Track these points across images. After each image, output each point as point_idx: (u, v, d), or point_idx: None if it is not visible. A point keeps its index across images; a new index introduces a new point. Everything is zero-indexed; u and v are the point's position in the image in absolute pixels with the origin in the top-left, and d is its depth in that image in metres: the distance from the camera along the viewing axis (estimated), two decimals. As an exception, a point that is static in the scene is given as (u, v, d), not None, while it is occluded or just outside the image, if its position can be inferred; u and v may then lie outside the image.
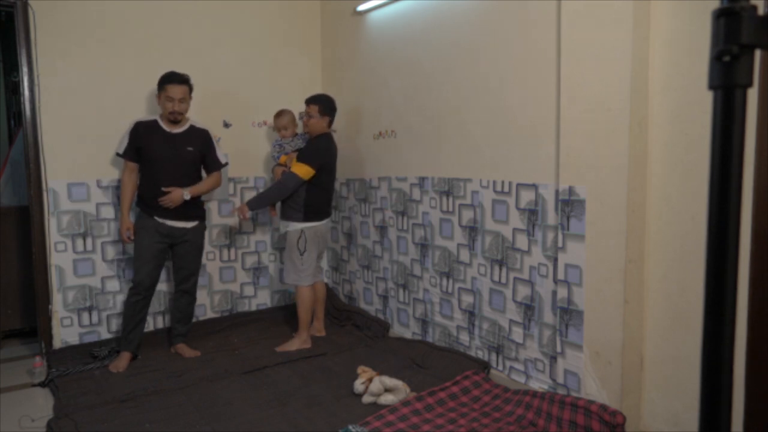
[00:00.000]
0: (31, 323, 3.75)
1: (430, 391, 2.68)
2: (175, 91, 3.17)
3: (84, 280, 3.52)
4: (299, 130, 3.81)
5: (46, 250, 3.38)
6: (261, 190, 3.51)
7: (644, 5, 2.21)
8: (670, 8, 2.19)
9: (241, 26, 3.98)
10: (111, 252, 3.59)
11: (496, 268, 2.95)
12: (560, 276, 2.56)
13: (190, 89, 3.27)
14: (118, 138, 3.34)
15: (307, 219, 3.43)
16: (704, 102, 2.09)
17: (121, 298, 3.61)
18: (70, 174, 3.45)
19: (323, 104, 3.47)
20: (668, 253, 2.26)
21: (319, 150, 3.43)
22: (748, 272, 1.99)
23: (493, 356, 3.01)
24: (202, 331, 3.75)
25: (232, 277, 4.09)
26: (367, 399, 2.72)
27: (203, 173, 3.44)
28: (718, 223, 0.61)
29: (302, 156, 3.42)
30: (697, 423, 0.64)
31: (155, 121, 3.27)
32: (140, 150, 3.22)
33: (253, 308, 4.18)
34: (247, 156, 4.06)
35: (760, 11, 0.59)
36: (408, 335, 3.62)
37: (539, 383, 2.74)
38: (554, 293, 2.63)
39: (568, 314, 2.53)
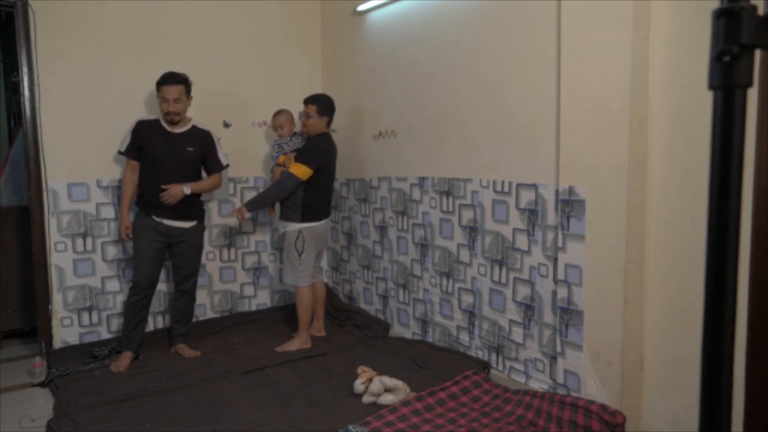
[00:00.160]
0: (31, 323, 3.75)
1: (430, 391, 2.68)
2: (170, 91, 3.17)
3: (84, 280, 3.52)
4: (298, 129, 3.81)
5: (46, 250, 3.38)
6: (260, 191, 3.51)
7: (644, 5, 2.21)
8: (670, 8, 2.19)
9: (241, 26, 3.98)
10: (111, 252, 3.59)
11: (496, 268, 2.95)
12: (560, 276, 2.56)
13: (188, 89, 3.26)
14: (118, 138, 3.34)
15: (305, 219, 3.42)
16: (704, 102, 2.09)
17: (121, 298, 3.62)
18: (70, 174, 3.45)
19: (321, 104, 3.47)
20: (668, 253, 2.26)
21: (318, 150, 3.42)
22: (748, 272, 1.99)
23: (493, 356, 3.01)
24: (202, 331, 3.75)
25: (232, 277, 4.09)
26: (367, 399, 2.72)
27: (203, 174, 3.44)
28: (718, 223, 0.61)
29: (300, 156, 3.42)
30: (697, 423, 0.64)
31: (157, 121, 3.28)
32: (141, 149, 3.23)
33: (253, 308, 4.18)
34: (247, 156, 4.06)
35: (760, 11, 0.59)
36: (408, 335, 3.62)
37: (539, 383, 2.74)
38: (554, 293, 2.63)
39: (568, 314, 2.53)
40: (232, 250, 4.07)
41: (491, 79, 2.89)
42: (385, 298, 3.83)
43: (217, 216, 3.98)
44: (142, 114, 3.50)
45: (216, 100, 3.90)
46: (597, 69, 2.32)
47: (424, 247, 3.44)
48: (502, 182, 2.87)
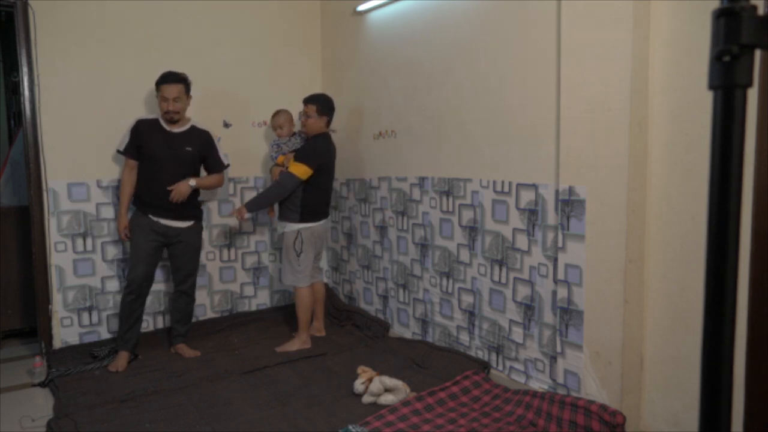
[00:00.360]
0: (31, 323, 3.75)
1: (430, 391, 2.68)
2: (169, 90, 3.17)
3: (84, 280, 3.52)
4: (297, 129, 3.81)
5: (46, 250, 3.38)
6: (260, 191, 3.51)
7: (644, 5, 2.21)
8: (670, 8, 2.19)
9: (241, 26, 3.98)
10: (111, 252, 3.59)
11: (496, 268, 2.95)
12: (560, 276, 2.56)
13: (187, 88, 3.26)
14: (118, 138, 3.35)
15: (303, 220, 3.42)
16: (704, 102, 2.09)
17: (120, 299, 3.61)
18: (70, 174, 3.45)
19: (321, 104, 3.47)
20: (668, 253, 2.26)
21: (317, 150, 3.42)
22: (748, 272, 1.99)
23: (493, 356, 3.01)
24: (202, 331, 3.75)
25: (232, 277, 4.09)
26: (367, 399, 2.72)
27: (202, 174, 3.44)
28: (718, 223, 0.61)
29: (300, 156, 3.42)
30: (697, 423, 0.64)
31: (157, 120, 3.28)
32: (140, 148, 3.23)
33: (253, 308, 4.18)
34: (247, 156, 4.06)
35: (760, 11, 0.59)
36: (408, 335, 3.62)
37: (539, 383, 2.74)
38: (554, 293, 2.63)
39: (568, 314, 2.53)
40: (232, 250, 4.07)
41: (491, 79, 2.89)
42: (385, 298, 3.83)
43: (217, 216, 3.98)
44: (143, 114, 3.50)
45: (216, 100, 3.90)
46: (597, 69, 2.32)
47: (424, 247, 3.44)
48: (502, 182, 2.87)
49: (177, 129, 3.28)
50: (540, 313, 2.73)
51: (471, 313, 3.14)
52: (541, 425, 2.40)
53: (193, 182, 3.27)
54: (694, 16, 2.12)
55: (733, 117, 0.60)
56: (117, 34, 3.54)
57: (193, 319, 3.87)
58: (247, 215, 3.44)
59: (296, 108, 4.01)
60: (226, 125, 3.97)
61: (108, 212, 3.57)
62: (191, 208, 3.35)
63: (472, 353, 3.14)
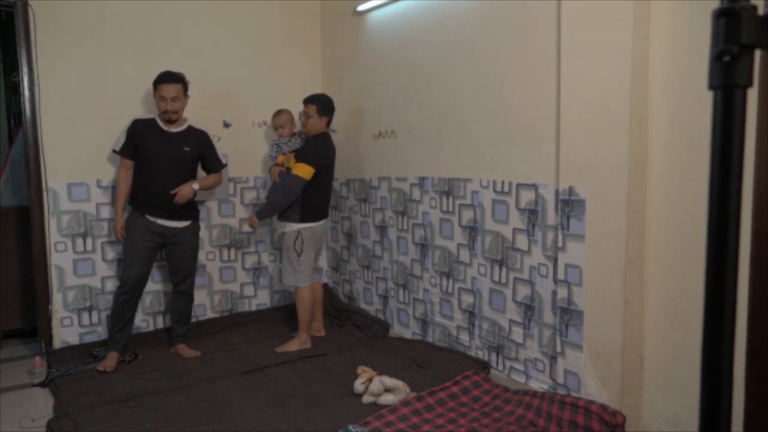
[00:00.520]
0: (31, 323, 3.75)
1: (430, 391, 2.68)
2: (167, 90, 3.16)
3: (84, 280, 3.52)
4: (297, 129, 3.81)
5: (46, 250, 3.38)
6: (268, 197, 3.46)
7: (644, 5, 2.21)
8: (670, 8, 2.19)
9: (241, 26, 3.98)
10: (111, 252, 3.59)
11: (496, 268, 2.95)
12: (560, 276, 2.56)
13: (185, 88, 3.26)
14: (118, 138, 3.34)
15: (303, 220, 3.42)
16: (704, 102, 2.09)
17: (121, 298, 3.62)
18: (70, 174, 3.45)
19: (321, 104, 3.47)
20: (668, 253, 2.26)
21: (318, 150, 3.42)
22: (748, 272, 1.99)
23: (493, 356, 3.01)
24: (202, 331, 3.75)
25: (232, 277, 4.09)
26: (367, 399, 2.72)
27: (198, 174, 3.43)
28: (718, 223, 0.61)
29: (301, 156, 3.41)
30: (697, 423, 0.64)
31: (153, 120, 3.27)
32: (137, 148, 3.21)
33: (253, 308, 4.18)
34: (247, 156, 4.07)
35: (760, 11, 0.59)
36: (408, 335, 3.62)
37: (539, 383, 2.74)
38: (554, 293, 2.63)
39: (568, 314, 2.53)
40: (232, 250, 4.07)
41: (491, 79, 2.89)
42: (385, 298, 3.83)
43: (218, 216, 3.99)
44: (142, 114, 3.50)
45: (216, 100, 3.90)
46: (597, 69, 2.32)
47: (424, 247, 3.44)
48: (502, 182, 2.87)
49: (174, 129, 3.27)
50: (540, 313, 2.73)
51: (471, 313, 3.14)
52: (541, 425, 2.40)
53: (196, 186, 3.27)
54: (694, 16, 2.12)
55: (733, 117, 0.60)
56: (117, 34, 3.54)
57: (193, 319, 3.87)
58: (258, 223, 3.43)
59: (296, 108, 4.01)
60: (226, 125, 3.97)
61: (108, 212, 3.56)
62: (189, 207, 3.34)
63: (472, 353, 3.14)
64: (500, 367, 2.97)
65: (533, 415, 2.46)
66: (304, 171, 3.34)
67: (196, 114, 3.81)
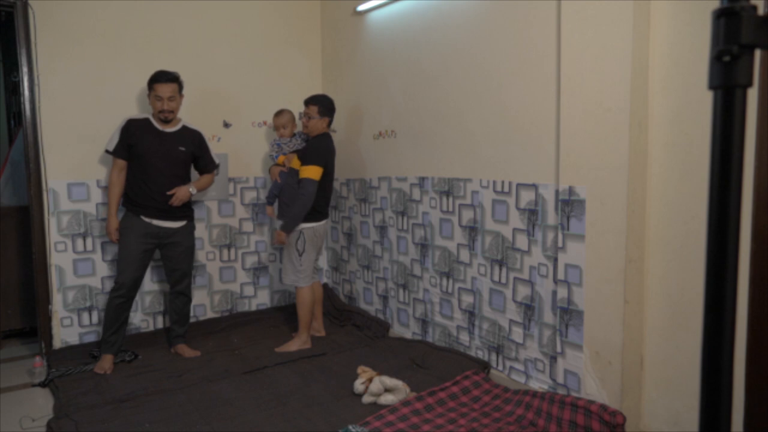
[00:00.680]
0: (31, 323, 3.75)
1: (430, 391, 2.68)
2: (164, 89, 3.14)
3: (84, 280, 3.52)
4: (298, 130, 3.81)
5: (46, 250, 3.38)
6: (291, 210, 3.40)
7: (644, 5, 2.21)
8: (670, 8, 2.19)
9: (241, 26, 3.98)
10: (111, 252, 3.59)
11: (496, 268, 2.96)
12: (560, 276, 2.56)
13: (180, 87, 3.24)
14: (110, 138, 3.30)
15: (305, 220, 3.42)
16: (704, 102, 2.09)
17: (121, 298, 3.62)
18: (70, 174, 3.45)
19: (323, 105, 3.47)
20: (668, 253, 2.26)
21: (323, 149, 3.43)
22: (748, 272, 1.99)
23: (493, 356, 3.01)
24: (202, 331, 3.75)
25: (232, 277, 4.09)
26: (367, 399, 2.72)
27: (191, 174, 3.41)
28: (718, 223, 0.61)
29: (308, 158, 3.38)
30: (697, 423, 0.64)
31: (147, 120, 3.24)
32: (131, 148, 3.18)
33: (253, 308, 4.18)
34: (247, 156, 4.07)
35: (760, 11, 0.59)
36: (408, 335, 3.62)
37: (539, 383, 2.74)
38: (554, 293, 2.63)
39: (568, 314, 2.53)
40: (232, 250, 4.07)
41: (491, 79, 2.89)
42: (385, 298, 3.83)
43: (218, 216, 3.99)
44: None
45: (216, 100, 3.90)
46: (597, 69, 2.32)
47: (424, 247, 3.44)
48: (502, 182, 2.87)
49: (169, 129, 3.25)
50: (540, 313, 2.73)
51: (471, 313, 3.14)
52: (541, 425, 2.40)
53: (193, 190, 3.26)
54: (694, 16, 2.12)
55: (733, 117, 0.60)
56: (117, 34, 3.54)
57: (193, 319, 3.88)
58: (286, 238, 3.39)
59: (296, 108, 4.01)
60: (226, 125, 3.97)
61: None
62: (183, 207, 3.31)
63: (472, 353, 3.14)
64: (500, 367, 2.97)
65: (533, 415, 2.46)
66: (314, 172, 3.34)
67: (196, 114, 3.82)
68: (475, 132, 3.01)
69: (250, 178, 4.10)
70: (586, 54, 2.36)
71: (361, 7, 3.76)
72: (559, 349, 2.59)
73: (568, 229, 2.50)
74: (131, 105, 3.57)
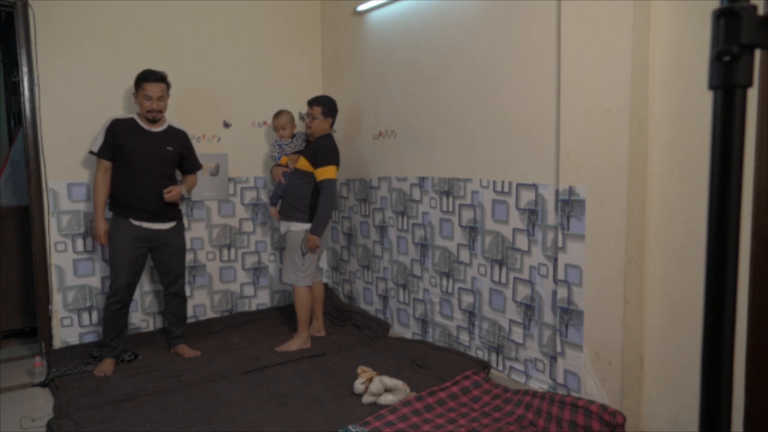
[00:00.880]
0: (31, 323, 3.75)
1: (430, 391, 2.68)
2: (154, 89, 3.11)
3: (84, 280, 3.52)
4: (297, 130, 3.82)
5: (46, 250, 3.38)
6: (318, 215, 3.37)
7: (644, 5, 2.21)
8: (670, 8, 2.19)
9: (241, 26, 3.98)
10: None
11: (496, 268, 2.95)
12: (560, 276, 2.56)
13: (168, 87, 3.20)
14: (94, 138, 3.25)
15: (311, 219, 3.44)
16: (704, 102, 2.09)
17: (121, 298, 3.62)
18: (70, 174, 3.44)
19: (326, 106, 3.48)
20: (668, 253, 2.26)
21: (333, 149, 3.46)
22: (748, 272, 1.99)
23: (493, 356, 3.01)
24: (202, 331, 3.75)
25: (232, 277, 4.09)
26: (367, 399, 2.72)
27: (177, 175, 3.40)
28: (718, 223, 0.61)
29: (322, 159, 3.39)
30: (697, 423, 0.64)
31: (133, 119, 3.19)
32: (118, 148, 3.12)
33: (253, 308, 4.18)
34: (247, 156, 4.07)
35: (760, 11, 0.59)
36: (408, 335, 3.62)
37: (539, 383, 2.74)
38: (554, 293, 2.63)
39: (568, 314, 2.53)
40: (232, 250, 4.07)
41: (491, 79, 2.89)
42: (385, 298, 3.83)
43: (218, 216, 3.98)
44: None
45: (216, 100, 3.90)
46: (597, 69, 2.32)
47: (424, 247, 3.44)
48: (502, 182, 2.87)
49: (156, 128, 3.21)
50: (540, 313, 2.73)
51: (471, 313, 3.14)
52: (541, 425, 2.40)
53: (186, 193, 3.25)
54: (694, 16, 2.12)
55: (733, 117, 0.60)
56: (117, 34, 3.54)
57: (193, 319, 3.88)
58: (319, 241, 3.41)
59: (296, 108, 4.02)
60: (226, 125, 3.97)
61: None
62: (172, 208, 3.29)
63: (472, 353, 3.14)
64: (500, 367, 2.97)
65: (533, 415, 2.46)
66: (332, 172, 3.38)
67: (196, 114, 3.83)
68: (475, 132, 3.01)
69: (250, 178, 4.10)
70: (586, 54, 2.36)
71: (361, 7, 3.76)
72: (559, 349, 2.59)
73: (568, 229, 2.50)
74: (131, 105, 3.56)
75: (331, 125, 3.54)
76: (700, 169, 2.14)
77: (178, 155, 3.30)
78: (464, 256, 3.15)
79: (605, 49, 2.28)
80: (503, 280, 2.92)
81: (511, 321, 2.89)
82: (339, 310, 4.06)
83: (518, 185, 2.79)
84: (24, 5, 3.24)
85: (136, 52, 3.58)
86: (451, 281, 3.26)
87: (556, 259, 2.60)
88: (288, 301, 4.30)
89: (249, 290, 4.16)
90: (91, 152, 3.18)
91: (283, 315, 4.11)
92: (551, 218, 2.63)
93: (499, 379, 2.94)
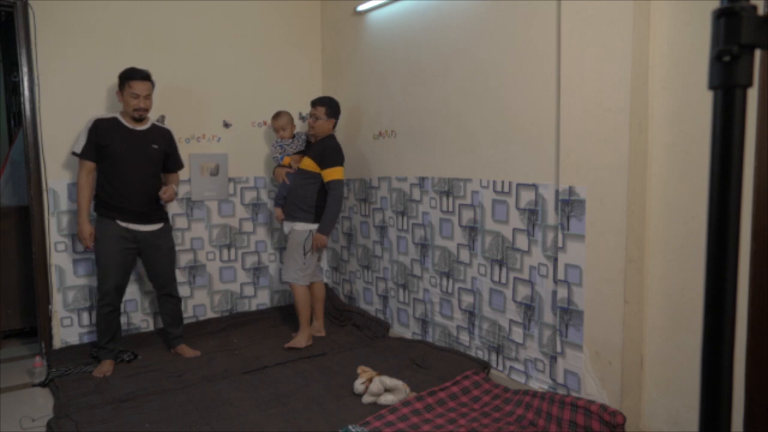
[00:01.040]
0: (31, 323, 3.75)
1: (430, 391, 2.68)
2: (141, 87, 3.08)
3: (84, 280, 3.52)
4: (297, 131, 3.82)
5: (46, 250, 3.38)
6: (326, 216, 3.42)
7: (644, 5, 2.21)
8: (670, 8, 2.19)
9: (241, 26, 3.98)
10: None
11: (496, 268, 2.95)
12: (560, 276, 2.56)
13: (153, 85, 3.17)
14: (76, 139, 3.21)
15: (316, 220, 3.46)
16: (704, 102, 2.09)
17: (121, 298, 3.62)
18: (70, 174, 3.44)
19: (330, 106, 3.49)
20: (668, 253, 2.26)
21: (338, 150, 3.48)
22: (748, 272, 1.99)
23: (493, 356, 3.01)
24: (202, 331, 3.75)
25: (232, 277, 4.09)
26: (367, 399, 2.72)
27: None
28: (718, 223, 0.61)
29: (329, 160, 3.41)
30: (697, 423, 0.64)
31: (116, 118, 3.14)
32: (102, 149, 3.07)
33: (253, 308, 4.18)
34: (247, 156, 4.07)
35: (760, 11, 0.59)
36: (408, 335, 3.62)
37: (539, 383, 2.74)
38: (554, 293, 2.63)
39: (568, 314, 2.53)
40: (232, 250, 4.07)
41: (491, 79, 2.89)
42: (385, 298, 3.83)
43: (218, 216, 3.98)
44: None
45: (216, 100, 3.90)
46: (597, 69, 2.32)
47: (424, 247, 3.44)
48: (502, 182, 2.87)
49: (140, 127, 3.18)
50: (540, 313, 2.73)
51: (471, 313, 3.14)
52: (541, 425, 2.40)
53: (177, 190, 3.27)
54: (694, 16, 2.12)
55: (733, 117, 0.60)
56: (117, 34, 3.54)
57: (193, 319, 3.88)
58: (327, 241, 3.45)
59: (296, 108, 4.02)
60: (226, 125, 3.97)
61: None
62: (158, 209, 3.27)
63: (472, 353, 3.14)
64: (500, 367, 2.97)
65: (533, 415, 2.46)
66: (339, 173, 3.42)
67: (196, 114, 3.83)
68: (475, 132, 3.01)
69: (250, 178, 4.10)
70: (586, 54, 2.36)
71: (361, 7, 3.76)
72: (559, 349, 2.59)
73: (568, 229, 2.50)
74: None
75: (334, 126, 3.55)
76: (700, 169, 2.14)
77: (164, 153, 3.26)
78: (464, 256, 3.15)
79: (605, 49, 2.28)
80: (503, 280, 2.92)
81: (511, 321, 2.89)
82: (339, 310, 4.06)
83: (518, 185, 2.79)
84: (24, 5, 3.24)
85: (136, 52, 3.58)
86: (451, 281, 3.26)
87: (556, 259, 2.60)
88: (288, 301, 4.30)
89: (249, 290, 4.16)
90: (74, 153, 3.12)
91: (283, 315, 4.11)
92: (551, 218, 2.63)
93: (499, 379, 2.94)
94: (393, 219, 3.68)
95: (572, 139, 2.44)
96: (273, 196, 4.11)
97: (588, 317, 2.44)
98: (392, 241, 3.70)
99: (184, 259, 3.86)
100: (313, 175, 3.45)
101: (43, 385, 3.04)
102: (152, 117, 3.31)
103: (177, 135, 3.46)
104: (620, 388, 2.32)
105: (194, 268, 3.91)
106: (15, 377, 3.18)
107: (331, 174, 3.39)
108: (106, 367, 3.13)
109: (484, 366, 3.00)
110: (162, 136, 3.27)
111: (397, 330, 3.72)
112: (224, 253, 4.04)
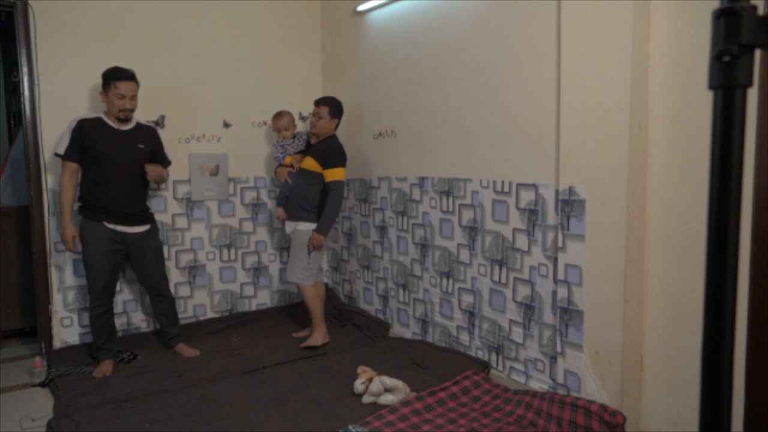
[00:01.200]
0: (31, 323, 3.75)
1: (430, 391, 2.68)
2: (127, 87, 3.05)
3: (84, 280, 3.50)
4: (297, 130, 3.81)
5: (46, 250, 3.38)
6: (325, 215, 3.41)
7: (644, 5, 2.21)
8: (670, 8, 2.19)
9: (241, 26, 3.98)
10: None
11: (496, 268, 2.95)
12: (560, 276, 2.56)
13: (138, 85, 3.15)
14: (59, 140, 3.19)
15: (319, 219, 3.45)
16: (704, 102, 2.09)
17: (121, 298, 3.62)
18: (70, 174, 3.44)
19: (334, 106, 3.50)
20: (668, 253, 2.26)
21: (341, 151, 3.48)
22: (748, 272, 1.99)
23: (493, 356, 3.01)
24: (202, 331, 3.75)
25: (232, 277, 4.09)
26: (367, 399, 2.72)
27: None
28: (718, 223, 0.61)
29: (331, 161, 3.41)
30: (697, 423, 0.64)
31: (100, 119, 3.11)
32: (87, 150, 3.04)
33: (253, 308, 4.18)
34: (247, 156, 4.07)
35: (760, 11, 0.59)
36: (408, 335, 3.62)
37: (539, 383, 2.74)
38: (554, 293, 2.63)
39: (568, 314, 2.53)
40: (232, 250, 4.07)
41: (491, 79, 2.89)
42: (385, 298, 3.83)
43: (218, 216, 3.98)
44: (142, 114, 3.50)
45: (216, 100, 3.90)
46: (597, 69, 2.32)
47: (424, 247, 3.44)
48: (502, 182, 2.87)
49: (125, 127, 3.15)
50: (540, 313, 2.73)
51: (471, 313, 3.14)
52: (541, 425, 2.40)
53: (165, 174, 3.26)
54: (694, 16, 2.12)
55: (733, 117, 0.60)
56: (117, 34, 3.54)
57: (193, 319, 3.88)
58: (325, 240, 3.45)
59: (296, 108, 4.01)
60: (226, 125, 3.97)
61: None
62: (144, 211, 3.26)
63: (472, 353, 3.14)
64: (500, 367, 2.97)
65: (533, 415, 2.46)
66: (340, 174, 3.42)
67: (196, 114, 3.83)
68: (475, 132, 3.01)
69: (250, 178, 4.10)
70: (586, 54, 2.36)
71: (361, 7, 3.76)
72: (559, 349, 2.59)
73: (568, 229, 2.50)
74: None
75: (336, 126, 3.56)
76: (700, 169, 2.14)
77: (150, 153, 3.24)
78: (464, 256, 3.15)
79: (605, 49, 2.28)
80: (503, 280, 2.92)
81: (511, 321, 2.89)
82: (339, 310, 4.06)
83: (518, 185, 2.79)
84: (24, 5, 3.24)
85: (136, 53, 3.58)
86: (451, 281, 3.26)
87: (556, 259, 2.60)
88: (288, 301, 4.31)
89: (249, 290, 4.16)
90: (56, 154, 3.09)
91: (284, 315, 4.11)
92: (551, 218, 2.63)
93: (499, 379, 2.94)
94: (393, 219, 3.68)
95: (572, 139, 2.44)
96: (273, 196, 4.12)
97: (588, 317, 2.44)
98: (392, 241, 3.70)
99: (184, 259, 3.86)
100: (316, 175, 3.45)
101: (43, 385, 3.04)
102: (152, 117, 3.31)
103: (177, 135, 3.46)
104: (620, 388, 2.32)
105: (194, 268, 3.91)
106: (15, 377, 3.18)
107: (333, 174, 3.40)
108: (105, 367, 3.13)
109: (484, 366, 3.00)
110: (148, 135, 3.25)
111: (397, 330, 3.72)
112: (224, 253, 4.04)
